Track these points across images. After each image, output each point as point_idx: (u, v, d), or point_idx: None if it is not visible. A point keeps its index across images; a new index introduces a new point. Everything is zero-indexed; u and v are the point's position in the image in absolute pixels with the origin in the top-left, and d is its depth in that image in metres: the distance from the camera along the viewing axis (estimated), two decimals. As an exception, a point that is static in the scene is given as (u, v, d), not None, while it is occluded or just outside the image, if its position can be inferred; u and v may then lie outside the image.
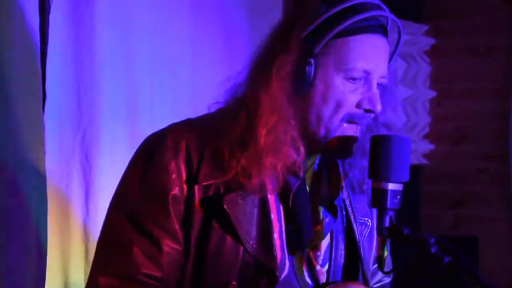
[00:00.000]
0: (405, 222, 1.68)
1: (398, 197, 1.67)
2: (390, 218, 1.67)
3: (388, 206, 1.66)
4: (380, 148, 1.68)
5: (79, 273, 2.58)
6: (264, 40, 1.78)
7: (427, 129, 4.86)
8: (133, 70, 2.79)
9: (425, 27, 4.78)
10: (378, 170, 1.68)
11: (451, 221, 4.94)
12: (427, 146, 4.82)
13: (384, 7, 1.75)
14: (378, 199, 1.67)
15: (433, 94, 4.84)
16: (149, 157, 1.74)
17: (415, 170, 4.70)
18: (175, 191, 1.71)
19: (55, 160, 2.54)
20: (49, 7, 2.46)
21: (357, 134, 1.75)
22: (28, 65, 2.36)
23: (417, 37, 4.70)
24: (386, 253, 1.67)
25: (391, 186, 1.67)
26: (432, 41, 4.82)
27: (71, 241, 2.58)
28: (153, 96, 2.86)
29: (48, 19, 2.46)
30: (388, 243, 1.68)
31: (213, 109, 1.81)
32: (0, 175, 2.29)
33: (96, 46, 2.63)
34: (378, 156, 1.68)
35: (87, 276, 1.78)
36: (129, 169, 1.78)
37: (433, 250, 1.62)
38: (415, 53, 4.74)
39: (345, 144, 1.74)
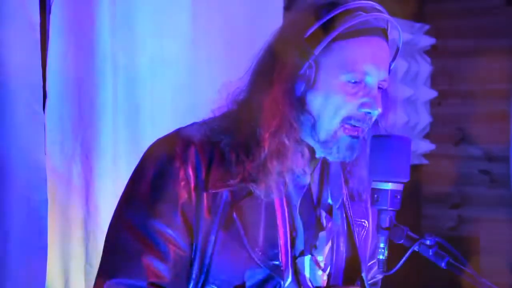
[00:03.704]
0: (405, 222, 1.68)
1: (398, 197, 1.67)
2: (390, 218, 1.67)
3: (388, 206, 1.66)
4: (380, 148, 1.68)
5: (79, 273, 2.57)
6: (266, 43, 1.77)
7: (427, 129, 4.86)
8: (134, 70, 2.79)
9: (426, 27, 4.78)
10: (378, 170, 1.68)
11: (451, 222, 4.94)
12: (427, 146, 4.82)
13: (383, 10, 1.74)
14: (378, 199, 1.67)
15: (433, 94, 4.83)
16: (158, 165, 1.71)
17: (415, 170, 4.70)
18: (185, 199, 1.69)
19: (55, 160, 2.54)
20: (49, 7, 2.46)
21: (359, 134, 1.73)
22: (28, 65, 2.36)
23: (418, 37, 4.70)
24: (386, 253, 1.67)
25: (391, 186, 1.66)
26: (432, 41, 4.82)
27: (71, 241, 2.58)
28: (154, 96, 2.86)
29: (48, 19, 2.46)
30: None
31: (217, 113, 1.79)
32: (0, 175, 2.29)
33: (96, 46, 2.63)
34: (378, 156, 1.68)
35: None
36: (136, 177, 1.75)
37: (433, 250, 1.62)
38: (416, 53, 4.74)
39: (346, 146, 1.73)
